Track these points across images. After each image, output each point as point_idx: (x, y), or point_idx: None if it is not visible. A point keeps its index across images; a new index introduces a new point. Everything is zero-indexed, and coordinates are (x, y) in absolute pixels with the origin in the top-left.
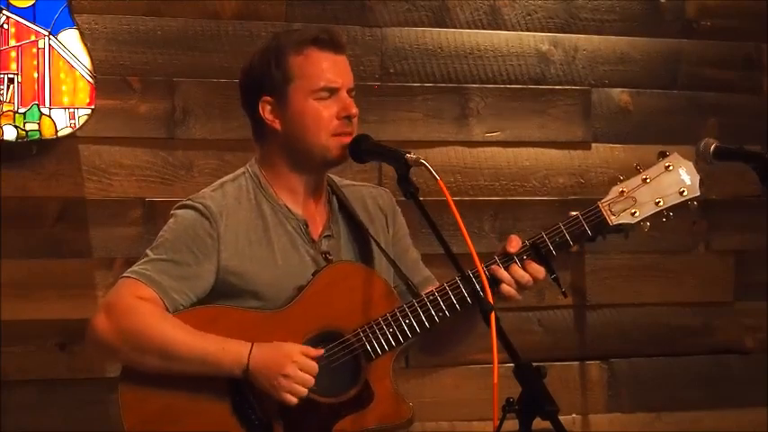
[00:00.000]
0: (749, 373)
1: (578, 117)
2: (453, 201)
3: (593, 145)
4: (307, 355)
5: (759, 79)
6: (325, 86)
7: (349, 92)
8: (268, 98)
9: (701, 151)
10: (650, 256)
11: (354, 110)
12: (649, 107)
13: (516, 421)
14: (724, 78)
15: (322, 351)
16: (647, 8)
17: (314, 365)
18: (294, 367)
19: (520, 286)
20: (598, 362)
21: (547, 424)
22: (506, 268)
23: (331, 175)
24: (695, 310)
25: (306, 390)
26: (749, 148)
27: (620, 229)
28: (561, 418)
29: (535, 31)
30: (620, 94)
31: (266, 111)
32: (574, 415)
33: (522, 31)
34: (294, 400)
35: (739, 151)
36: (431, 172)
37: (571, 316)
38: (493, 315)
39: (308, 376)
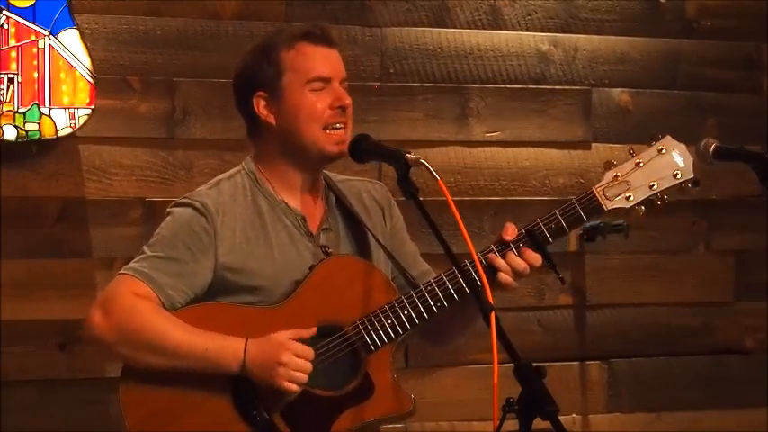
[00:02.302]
0: (749, 373)
1: (578, 117)
2: (453, 201)
3: (593, 145)
4: (299, 337)
5: (759, 79)
6: (317, 76)
7: (341, 83)
8: (262, 93)
9: (701, 151)
10: (650, 256)
11: (347, 100)
12: (649, 107)
13: (516, 421)
14: (724, 78)
15: (314, 330)
16: (647, 8)
17: (308, 350)
18: (289, 354)
19: (517, 274)
20: (598, 362)
21: (547, 424)
22: (503, 256)
23: (326, 171)
24: (695, 310)
25: (305, 376)
26: (749, 148)
27: (620, 228)
28: (561, 418)
29: (535, 31)
30: (620, 94)
31: (260, 106)
32: (574, 415)
33: (522, 31)
34: (294, 387)
35: (739, 151)
36: (431, 172)
37: (571, 316)
38: (493, 315)
39: (304, 362)
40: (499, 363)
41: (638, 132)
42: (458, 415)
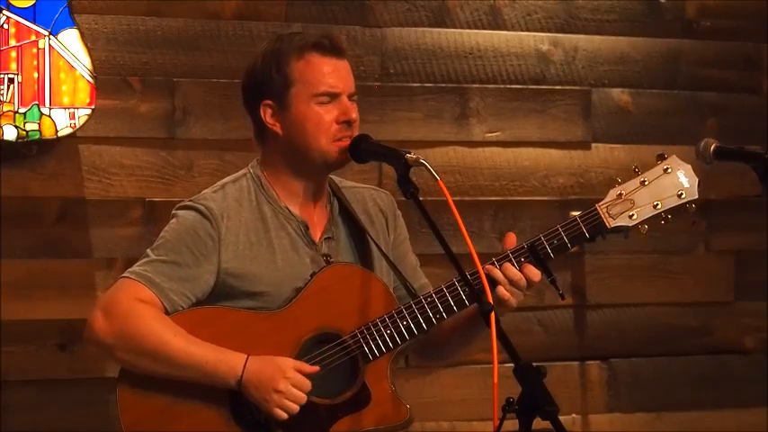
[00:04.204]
0: (749, 373)
1: (578, 117)
2: (453, 201)
3: (593, 145)
4: (301, 371)
5: (759, 79)
6: (325, 91)
7: (350, 97)
8: (269, 102)
9: (700, 151)
10: (650, 256)
11: (354, 114)
12: (649, 107)
13: (516, 421)
14: (724, 78)
15: (317, 369)
16: (647, 8)
17: (306, 383)
18: (287, 383)
19: (513, 284)
20: (598, 362)
21: (547, 424)
22: (500, 267)
23: (332, 177)
24: (695, 310)
25: (296, 407)
26: (749, 148)
27: (620, 229)
28: (561, 418)
29: (535, 31)
30: (620, 94)
31: (267, 115)
32: (574, 415)
33: (522, 31)
34: (284, 415)
35: (739, 151)
36: (431, 172)
37: (571, 316)
38: (493, 315)
39: (300, 393)
40: (499, 363)
41: (638, 132)
42: (458, 415)
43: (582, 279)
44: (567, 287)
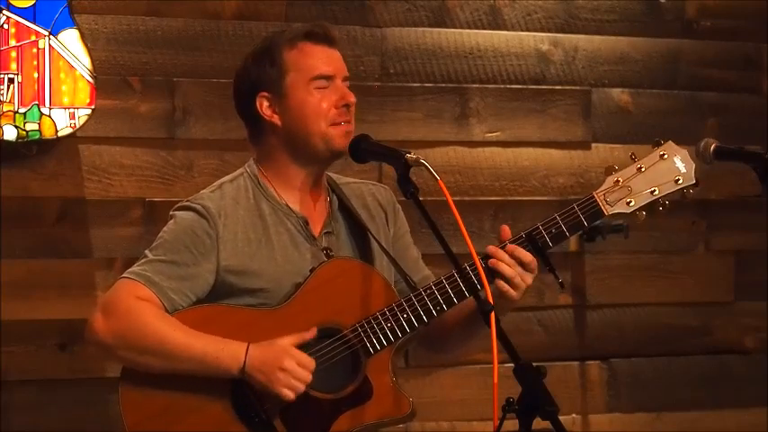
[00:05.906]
0: (749, 373)
1: (578, 117)
2: (453, 201)
3: (593, 145)
4: (302, 341)
5: (759, 79)
6: (320, 74)
7: (344, 81)
8: (265, 94)
9: (700, 151)
10: (650, 256)
11: (352, 98)
12: (649, 107)
13: (516, 421)
14: (724, 78)
15: (314, 333)
16: (647, 8)
17: (310, 360)
18: (291, 361)
19: (512, 269)
20: (598, 362)
21: (547, 424)
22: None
23: (330, 174)
24: (695, 310)
25: (303, 385)
26: (749, 148)
27: (620, 228)
28: (561, 418)
29: (535, 31)
30: (620, 94)
31: (264, 106)
32: (574, 415)
33: (522, 31)
34: (291, 395)
35: (739, 151)
36: (431, 172)
37: (571, 316)
38: (493, 315)
39: (304, 372)
40: (499, 363)
41: (638, 132)
42: (458, 415)
43: (582, 279)
44: (567, 287)
